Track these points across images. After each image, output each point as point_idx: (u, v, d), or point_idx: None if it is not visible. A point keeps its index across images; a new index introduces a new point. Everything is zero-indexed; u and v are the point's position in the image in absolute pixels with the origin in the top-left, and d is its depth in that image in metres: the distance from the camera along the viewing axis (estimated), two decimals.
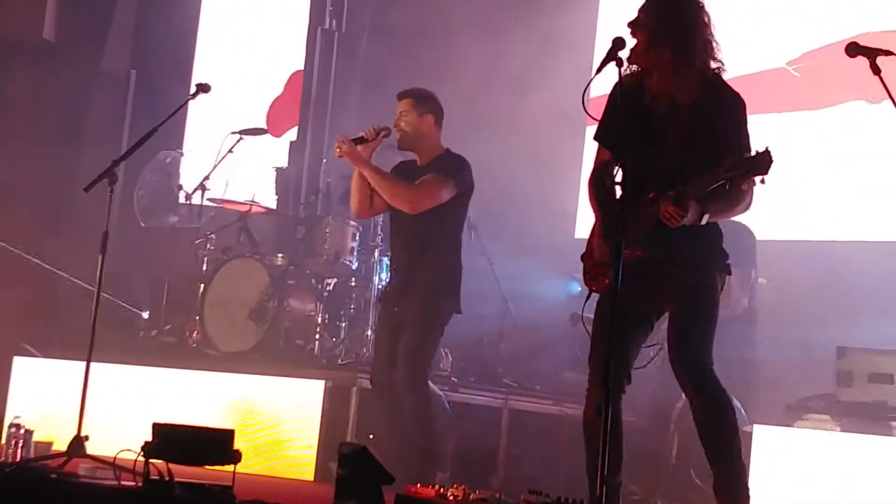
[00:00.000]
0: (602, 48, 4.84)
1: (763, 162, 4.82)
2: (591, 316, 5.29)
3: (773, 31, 9.36)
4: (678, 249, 5.14)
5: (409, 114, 7.06)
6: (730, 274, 5.34)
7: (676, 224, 4.99)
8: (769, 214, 7.78)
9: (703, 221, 5.07)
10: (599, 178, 5.31)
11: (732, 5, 8.84)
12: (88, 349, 6.57)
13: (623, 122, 5.05)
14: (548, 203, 9.81)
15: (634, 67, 5.19)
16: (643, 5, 5.23)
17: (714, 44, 5.22)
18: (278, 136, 11.06)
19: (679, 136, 5.15)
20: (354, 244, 9.10)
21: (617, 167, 5.22)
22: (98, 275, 6.55)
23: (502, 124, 9.75)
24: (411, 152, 7.16)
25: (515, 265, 9.27)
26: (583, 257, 5.32)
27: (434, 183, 6.88)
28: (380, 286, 9.06)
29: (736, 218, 5.63)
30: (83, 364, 6.55)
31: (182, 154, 10.30)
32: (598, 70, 4.79)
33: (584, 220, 8.64)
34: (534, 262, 9.30)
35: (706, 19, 5.21)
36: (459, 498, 5.07)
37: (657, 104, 5.20)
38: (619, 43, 4.80)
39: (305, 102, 10.86)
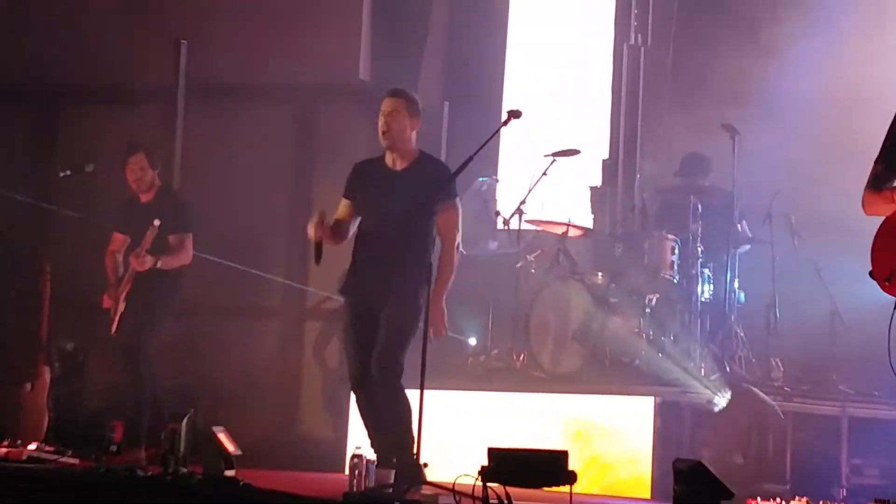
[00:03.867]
0: None
1: None
2: None
3: None
4: None
5: (399, 113, 6.98)
6: None
7: None
8: None
9: None
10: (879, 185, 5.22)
11: None
12: (420, 377, 6.73)
13: None
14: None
15: None
16: None
17: None
18: None
19: None
20: (674, 258, 9.02)
21: None
22: (425, 305, 6.71)
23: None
24: (389, 152, 7.04)
25: (842, 265, 8.96)
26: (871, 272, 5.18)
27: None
28: (703, 298, 8.95)
29: None
30: (416, 392, 6.71)
31: (497, 180, 10.45)
32: None
33: None
34: (863, 260, 8.96)
35: None
36: None
37: None
38: None
39: (615, 119, 10.85)
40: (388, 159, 7.08)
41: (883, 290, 5.14)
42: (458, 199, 7.04)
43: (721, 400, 8.17)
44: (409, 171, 7.03)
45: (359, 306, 6.97)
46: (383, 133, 6.99)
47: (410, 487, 6.23)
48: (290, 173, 11.03)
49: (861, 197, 5.35)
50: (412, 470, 6.64)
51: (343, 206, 7.17)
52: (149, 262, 8.18)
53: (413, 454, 6.79)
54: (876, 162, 5.31)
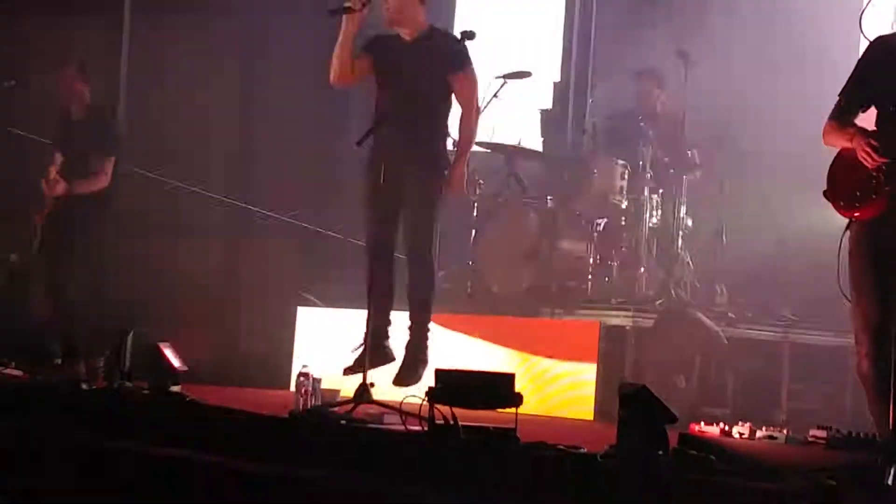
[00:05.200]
0: None
1: None
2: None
3: None
4: None
5: None
6: None
7: None
8: None
9: None
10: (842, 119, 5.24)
11: None
12: (368, 297, 6.72)
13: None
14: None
15: None
16: None
17: None
18: None
19: None
20: (623, 183, 9.03)
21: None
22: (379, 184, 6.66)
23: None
24: (399, 28, 6.99)
25: (790, 195, 9.01)
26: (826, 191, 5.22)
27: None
28: (651, 224, 8.98)
29: None
30: (363, 312, 6.70)
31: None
32: None
33: None
34: (811, 190, 9.00)
35: None
36: (746, 436, 5.01)
37: None
38: None
39: (567, 42, 10.80)
40: (403, 33, 7.01)
41: (836, 210, 5.19)
42: (472, 66, 7.00)
43: (665, 325, 8.22)
44: (418, 43, 6.97)
45: (381, 177, 6.75)
46: (387, 10, 6.92)
47: (359, 403, 6.24)
48: (239, 88, 10.93)
49: (822, 126, 5.34)
50: (417, 358, 6.87)
51: (363, 56, 7.00)
52: (60, 188, 8.16)
53: (424, 338, 6.96)
54: (840, 94, 5.30)
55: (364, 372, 6.45)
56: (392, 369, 7.02)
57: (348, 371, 6.74)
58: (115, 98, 9.98)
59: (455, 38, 7.08)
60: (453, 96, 7.00)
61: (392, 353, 7.03)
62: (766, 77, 9.31)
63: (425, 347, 7.02)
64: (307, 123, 10.55)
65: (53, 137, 8.63)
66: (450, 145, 7.16)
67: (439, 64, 6.89)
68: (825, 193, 5.25)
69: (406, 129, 6.80)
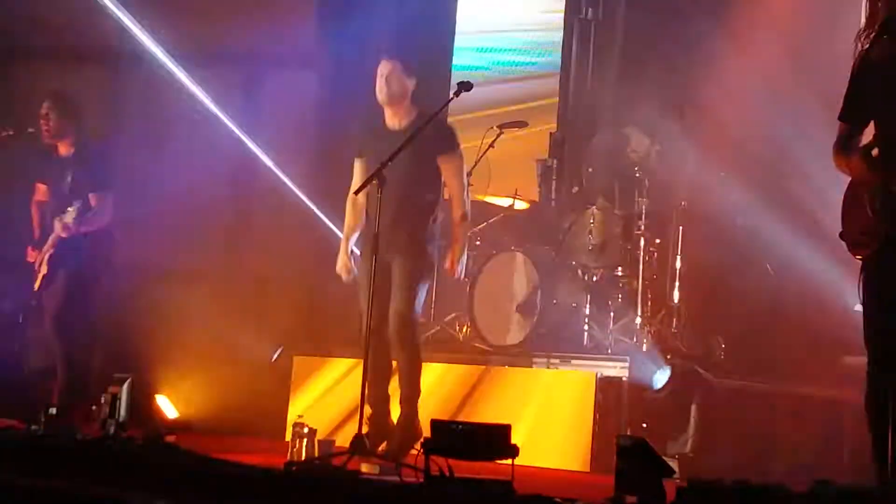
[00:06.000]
0: None
1: None
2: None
3: None
4: None
5: (396, 74, 7.25)
6: None
7: None
8: None
9: None
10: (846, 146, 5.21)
11: None
12: (365, 347, 6.72)
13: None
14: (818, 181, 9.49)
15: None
16: None
17: None
18: None
19: None
20: (619, 231, 9.04)
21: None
22: (371, 275, 6.69)
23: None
24: (387, 107, 7.29)
25: (789, 251, 9.01)
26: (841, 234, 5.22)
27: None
28: (647, 275, 8.97)
29: None
30: (358, 361, 6.70)
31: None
32: None
33: None
34: (807, 245, 9.03)
35: None
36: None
37: None
38: None
39: (564, 93, 10.85)
40: (388, 118, 7.30)
41: (850, 251, 5.19)
42: (460, 149, 7.32)
43: (662, 377, 8.21)
44: (408, 130, 7.15)
45: (373, 262, 6.94)
46: (381, 92, 7.23)
47: (354, 454, 6.23)
48: (233, 137, 10.95)
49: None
50: (408, 432, 6.96)
51: (359, 166, 7.39)
52: (71, 228, 8.10)
53: (414, 414, 7.07)
54: (839, 119, 5.28)
55: (360, 425, 6.44)
56: None
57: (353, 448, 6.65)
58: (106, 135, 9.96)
59: (443, 120, 7.40)
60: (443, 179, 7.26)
61: (394, 426, 7.15)
62: (763, 123, 9.31)
63: (416, 423, 7.10)
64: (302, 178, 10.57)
65: (37, 169, 8.58)
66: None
67: (430, 148, 7.13)
68: (840, 234, 5.25)
69: (396, 215, 6.98)
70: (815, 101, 8.57)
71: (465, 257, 7.33)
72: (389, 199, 6.81)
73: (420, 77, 7.36)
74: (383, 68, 7.29)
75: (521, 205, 9.89)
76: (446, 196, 7.38)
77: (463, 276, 7.40)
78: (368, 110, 7.48)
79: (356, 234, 7.42)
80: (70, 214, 7.98)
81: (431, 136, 7.08)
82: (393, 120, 7.29)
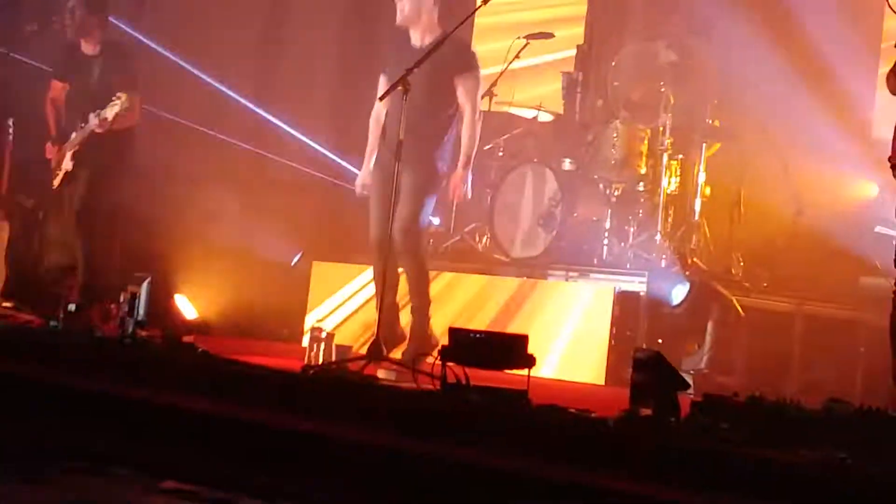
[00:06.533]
0: None
1: None
2: None
3: None
4: None
5: None
6: None
7: None
8: None
9: None
10: None
11: None
12: (384, 256, 6.73)
13: None
14: (841, 103, 9.41)
15: None
16: None
17: None
18: None
19: None
20: (642, 148, 8.98)
21: None
22: (394, 182, 6.68)
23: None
24: (409, 27, 7.27)
25: (810, 169, 8.97)
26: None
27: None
28: (668, 191, 8.94)
29: None
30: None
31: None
32: None
33: (883, 120, 8.28)
34: (830, 165, 8.97)
35: None
36: None
37: None
38: None
39: (592, 4, 10.74)
40: (413, 37, 7.28)
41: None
42: (478, 70, 7.33)
43: (680, 292, 8.21)
44: (432, 47, 7.13)
45: (385, 175, 7.05)
46: (401, 12, 7.23)
47: (372, 360, 6.27)
48: (258, 40, 10.91)
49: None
50: (422, 341, 7.01)
51: (384, 82, 7.36)
52: (109, 124, 8.01)
53: (426, 323, 7.14)
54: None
55: (377, 329, 6.47)
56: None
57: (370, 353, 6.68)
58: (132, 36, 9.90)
59: (465, 42, 7.42)
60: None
61: (405, 334, 7.22)
62: (794, 50, 9.22)
63: (429, 332, 7.18)
64: (329, 72, 10.52)
65: (57, 66, 8.51)
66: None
67: (448, 66, 7.13)
68: (889, 158, 5.25)
69: (411, 128, 6.90)
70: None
71: (469, 180, 7.31)
72: (408, 111, 6.79)
73: None
74: None
75: (545, 117, 9.83)
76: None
77: (468, 197, 7.40)
78: (395, 29, 7.42)
79: (377, 150, 7.44)
80: (112, 109, 7.88)
81: (451, 54, 7.11)
82: (417, 38, 7.27)
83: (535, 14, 10.60)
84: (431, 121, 7.16)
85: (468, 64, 7.28)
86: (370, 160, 7.42)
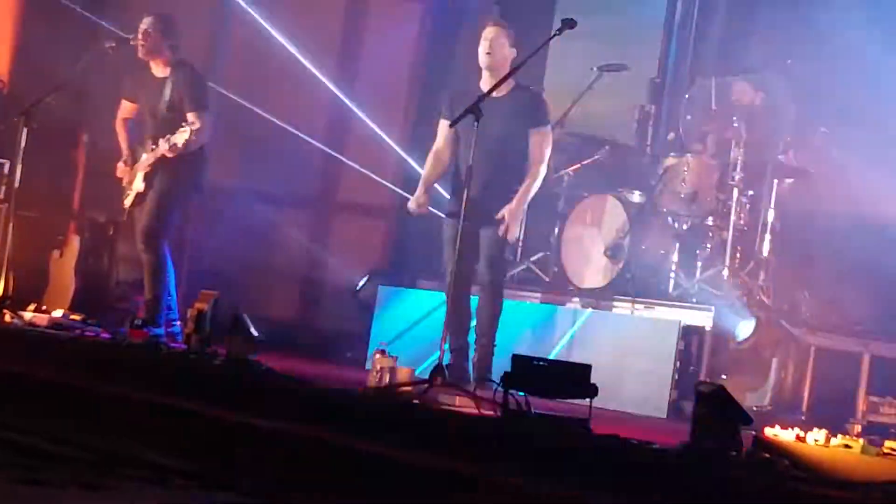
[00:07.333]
0: None
1: None
2: None
3: None
4: None
5: (501, 41, 7.34)
6: None
7: None
8: None
9: None
10: None
11: None
12: (450, 280, 6.74)
13: None
14: None
15: None
16: None
17: None
18: None
19: None
20: (713, 182, 8.94)
21: None
22: (463, 207, 6.70)
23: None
24: (488, 73, 7.34)
25: (883, 210, 8.85)
26: None
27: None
28: (738, 226, 8.88)
29: None
30: (442, 294, 6.72)
31: (542, 90, 10.34)
32: None
33: None
34: None
35: None
36: (821, 443, 4.94)
37: None
38: None
39: (667, 38, 10.72)
40: (484, 82, 7.35)
41: None
42: (549, 126, 7.48)
43: (746, 328, 8.15)
44: (505, 99, 7.27)
45: (465, 198, 6.97)
46: (486, 54, 7.33)
47: (433, 384, 6.28)
48: (334, 60, 10.98)
49: None
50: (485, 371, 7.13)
51: (443, 129, 7.51)
52: (179, 149, 8.02)
53: (491, 353, 7.26)
54: None
55: (441, 356, 6.47)
56: None
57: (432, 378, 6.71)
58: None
59: (539, 94, 7.65)
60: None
61: (469, 376, 7.25)
62: (870, 77, 9.13)
63: (489, 364, 7.24)
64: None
65: (126, 86, 8.50)
66: None
67: (522, 116, 7.30)
68: None
69: (488, 181, 7.10)
70: None
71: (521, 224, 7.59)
72: (480, 162, 6.85)
73: (521, 18, 7.39)
74: (489, 33, 7.37)
75: (615, 148, 9.81)
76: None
77: (518, 236, 7.75)
78: (462, 73, 7.50)
79: (433, 181, 7.60)
80: (181, 136, 7.90)
81: (526, 106, 7.27)
82: (489, 84, 7.30)
83: (609, 47, 10.57)
84: (508, 172, 7.33)
85: (543, 116, 7.41)
86: (425, 186, 7.52)
